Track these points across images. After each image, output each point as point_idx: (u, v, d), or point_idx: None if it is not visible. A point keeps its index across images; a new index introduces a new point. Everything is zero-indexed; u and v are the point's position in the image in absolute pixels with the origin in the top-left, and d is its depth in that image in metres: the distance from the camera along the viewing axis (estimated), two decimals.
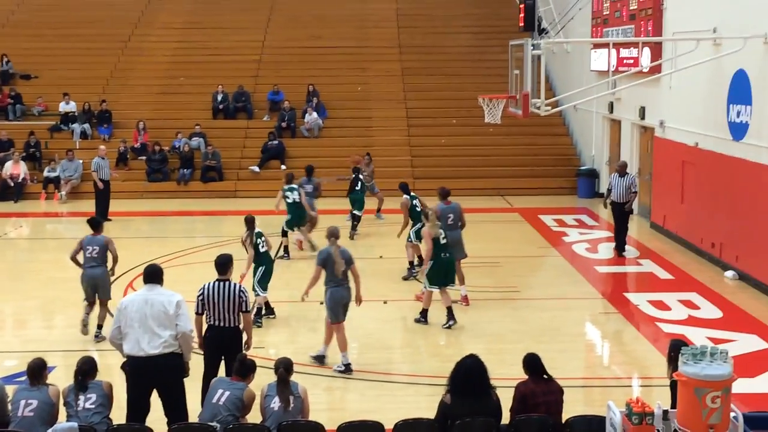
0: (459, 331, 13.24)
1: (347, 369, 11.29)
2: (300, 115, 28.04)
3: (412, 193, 16.39)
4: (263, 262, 13.22)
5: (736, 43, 15.56)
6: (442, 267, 13.25)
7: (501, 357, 11.57)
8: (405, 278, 15.98)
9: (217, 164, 25.95)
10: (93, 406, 8.02)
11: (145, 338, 8.48)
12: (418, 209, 15.79)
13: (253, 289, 13.08)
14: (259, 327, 12.89)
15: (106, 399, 8.15)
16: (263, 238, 13.33)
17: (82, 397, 8.05)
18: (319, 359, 11.59)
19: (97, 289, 12.78)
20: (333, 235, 11.31)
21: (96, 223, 13.09)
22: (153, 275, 8.93)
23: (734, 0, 16.22)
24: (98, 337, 12.66)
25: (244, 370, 8.46)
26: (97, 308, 12.84)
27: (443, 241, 13.25)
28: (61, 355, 11.77)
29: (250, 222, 13.27)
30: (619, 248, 18.06)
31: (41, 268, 17.04)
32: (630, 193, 17.79)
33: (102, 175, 21.71)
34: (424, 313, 13.45)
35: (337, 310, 11.37)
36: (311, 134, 27.71)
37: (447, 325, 13.22)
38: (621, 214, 17.91)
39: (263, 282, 13.29)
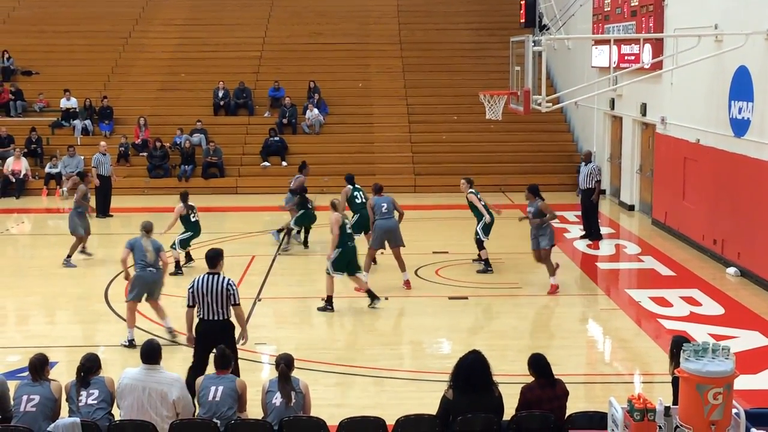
0: (461, 328, 13.25)
1: (131, 344, 11.98)
2: (301, 111, 28.03)
3: (356, 185, 16.73)
4: (191, 229, 16.11)
5: (738, 40, 15.54)
6: (347, 254, 13.71)
7: (503, 353, 11.59)
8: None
9: (218, 160, 25.96)
10: (95, 402, 8.00)
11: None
12: (358, 201, 16.41)
13: (172, 246, 15.75)
14: (180, 275, 15.51)
15: (109, 395, 8.12)
16: (194, 211, 16.24)
17: (84, 393, 8.03)
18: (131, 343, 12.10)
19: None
20: (144, 228, 12.41)
21: (82, 175, 18.55)
22: (151, 354, 8.23)
23: None
24: (66, 264, 16.42)
25: (226, 361, 8.46)
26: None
27: (349, 231, 13.84)
28: (63, 351, 11.78)
29: (184, 195, 16.29)
30: (589, 235, 18.78)
31: (43, 264, 17.05)
32: (593, 181, 18.47)
33: (102, 171, 21.74)
34: (329, 300, 13.78)
35: (141, 291, 12.26)
36: (312, 130, 27.71)
37: (373, 305, 13.86)
38: (587, 202, 18.78)
39: (184, 243, 16.14)
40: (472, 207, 16.09)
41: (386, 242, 15.18)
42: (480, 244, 16.17)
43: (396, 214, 15.24)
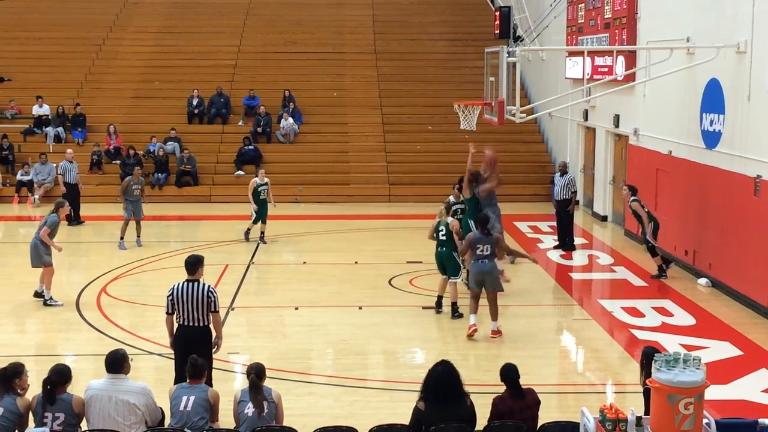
0: (434, 338, 13.24)
1: (39, 295, 14.58)
2: (276, 120, 27.99)
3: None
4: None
5: (709, 53, 15.69)
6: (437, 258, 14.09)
7: (476, 363, 11.60)
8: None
9: (192, 169, 25.84)
10: (60, 428, 7.80)
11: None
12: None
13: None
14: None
15: (75, 417, 7.92)
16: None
17: (49, 415, 7.81)
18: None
19: None
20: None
21: None
22: (114, 363, 8.12)
23: (707, 10, 16.36)
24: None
25: (198, 371, 8.38)
26: None
27: (442, 237, 13.95)
28: (32, 360, 11.64)
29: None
30: (563, 245, 18.98)
31: (13, 272, 16.86)
32: (569, 192, 18.78)
33: (68, 179, 21.59)
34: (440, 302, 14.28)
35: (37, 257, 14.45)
36: (287, 140, 27.67)
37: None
38: (563, 212, 19.00)
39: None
40: (636, 216, 16.65)
41: None
42: (653, 251, 16.56)
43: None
